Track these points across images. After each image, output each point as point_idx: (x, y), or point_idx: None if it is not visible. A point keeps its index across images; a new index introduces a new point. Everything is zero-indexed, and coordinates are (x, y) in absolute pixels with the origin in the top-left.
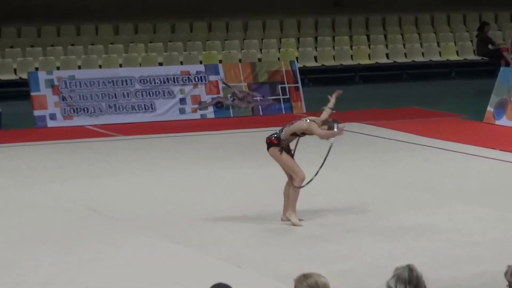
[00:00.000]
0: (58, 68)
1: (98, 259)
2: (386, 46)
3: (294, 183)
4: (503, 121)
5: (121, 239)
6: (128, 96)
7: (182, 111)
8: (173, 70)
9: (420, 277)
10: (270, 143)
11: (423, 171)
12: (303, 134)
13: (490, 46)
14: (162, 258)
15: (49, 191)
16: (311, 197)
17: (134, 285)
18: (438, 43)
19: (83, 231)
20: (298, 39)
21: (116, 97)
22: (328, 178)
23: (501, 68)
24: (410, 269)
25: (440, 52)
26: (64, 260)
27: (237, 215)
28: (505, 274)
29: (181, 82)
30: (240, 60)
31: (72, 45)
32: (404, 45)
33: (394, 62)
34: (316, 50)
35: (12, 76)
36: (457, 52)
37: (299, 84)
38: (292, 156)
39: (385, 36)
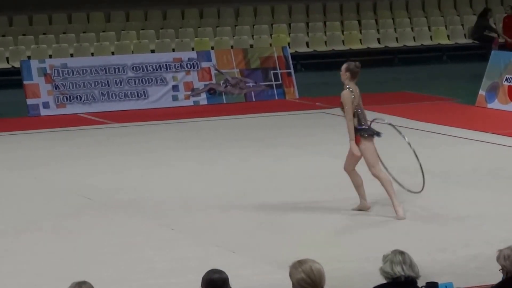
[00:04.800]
0: (50, 56)
1: (94, 246)
2: (378, 31)
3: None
4: (495, 105)
5: (116, 226)
6: (120, 84)
7: (175, 98)
8: (165, 57)
9: (411, 257)
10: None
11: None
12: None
13: (486, 32)
14: (157, 244)
15: (43, 179)
16: (304, 183)
17: (130, 271)
18: (429, 27)
19: (78, 219)
20: (290, 24)
21: (108, 85)
22: (320, 163)
23: (492, 52)
24: (400, 252)
25: (431, 36)
26: (60, 248)
27: (232, 202)
28: (497, 258)
29: (174, 69)
30: (232, 47)
31: (64, 33)
32: (395, 29)
33: (386, 47)
34: (308, 36)
35: (4, 65)
36: (448, 36)
37: (291, 70)
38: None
39: (376, 21)
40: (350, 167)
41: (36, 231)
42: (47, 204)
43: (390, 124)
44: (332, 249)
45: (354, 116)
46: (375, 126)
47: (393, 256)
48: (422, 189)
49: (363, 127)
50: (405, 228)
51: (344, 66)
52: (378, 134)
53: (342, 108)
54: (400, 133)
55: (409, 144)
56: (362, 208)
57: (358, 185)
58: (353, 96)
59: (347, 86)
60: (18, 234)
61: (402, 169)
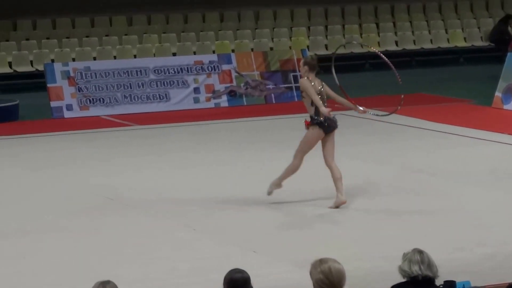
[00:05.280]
0: (73, 60)
1: (116, 246)
2: (395, 33)
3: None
4: (511, 106)
5: (138, 226)
6: (143, 86)
7: (196, 100)
8: (187, 60)
9: (430, 257)
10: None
11: (433, 156)
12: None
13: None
14: (179, 244)
15: (67, 180)
16: (325, 183)
17: (152, 271)
18: (446, 30)
19: (100, 219)
20: (309, 28)
21: (131, 87)
22: (340, 164)
23: (508, 54)
24: (419, 251)
25: (448, 39)
26: (83, 248)
27: (253, 202)
28: None
29: (195, 72)
30: (252, 49)
31: (87, 36)
32: (412, 32)
33: (403, 49)
34: (327, 39)
35: (28, 68)
36: (464, 38)
37: None
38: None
39: (394, 24)
40: (329, 160)
41: (59, 231)
42: (70, 204)
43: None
44: (352, 248)
45: (312, 105)
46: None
47: (412, 255)
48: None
49: (320, 118)
50: (422, 228)
51: (302, 61)
52: (330, 129)
53: (303, 95)
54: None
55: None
56: (337, 203)
57: (336, 179)
58: (312, 84)
59: (306, 76)
60: (41, 233)
61: None
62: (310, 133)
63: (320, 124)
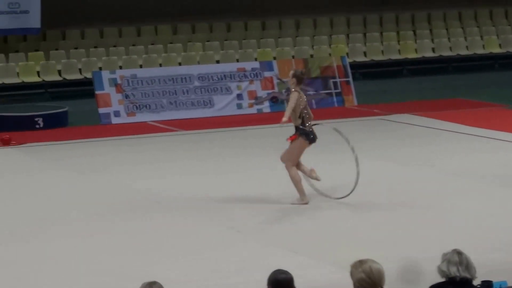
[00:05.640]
0: (120, 67)
1: (161, 247)
2: (432, 40)
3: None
4: None
5: (182, 228)
6: (187, 93)
7: (239, 106)
8: (230, 67)
9: (469, 258)
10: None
11: (470, 159)
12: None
13: None
14: (223, 245)
15: (114, 183)
16: (364, 187)
17: (196, 271)
18: (481, 36)
19: (146, 220)
20: (348, 35)
21: (176, 94)
22: (379, 167)
23: None
24: (458, 252)
25: (483, 45)
26: (129, 248)
27: (293, 205)
28: None
29: (238, 79)
30: (293, 57)
31: (133, 45)
32: (448, 39)
33: (440, 55)
34: (365, 46)
35: (77, 76)
36: (499, 45)
37: (350, 78)
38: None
39: (431, 31)
40: (296, 163)
41: (105, 233)
42: (117, 206)
43: (335, 129)
44: (391, 248)
45: (299, 117)
46: (319, 130)
47: (451, 256)
48: (348, 195)
49: (305, 128)
50: (460, 229)
51: (291, 73)
52: (313, 140)
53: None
54: (345, 138)
55: (352, 149)
56: (300, 201)
57: (297, 181)
58: (300, 98)
59: (293, 90)
60: (88, 235)
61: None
62: (296, 144)
63: (306, 134)
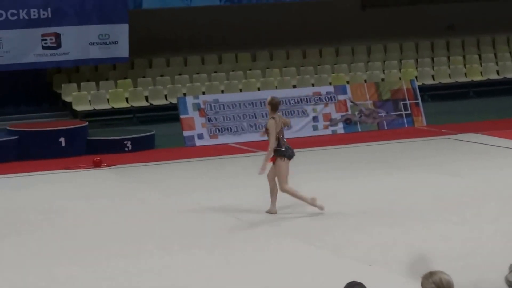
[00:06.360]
0: (203, 93)
1: (245, 263)
2: (496, 63)
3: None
4: None
5: (263, 244)
6: (266, 116)
7: (315, 128)
8: (306, 91)
9: None
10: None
11: None
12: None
13: None
14: (299, 260)
15: (198, 200)
16: (433, 201)
17: (275, 285)
18: None
19: (229, 236)
20: (417, 60)
21: (255, 117)
22: (449, 183)
23: None
24: None
25: None
26: (215, 265)
27: (367, 218)
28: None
29: (313, 102)
30: (365, 81)
31: (215, 72)
32: None
33: (504, 77)
34: (433, 69)
35: (163, 101)
36: None
37: (419, 100)
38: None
39: (495, 55)
40: (271, 178)
41: (192, 248)
42: (201, 222)
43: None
44: (459, 260)
45: (276, 139)
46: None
47: None
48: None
49: (281, 149)
50: None
51: (268, 100)
52: (291, 155)
53: (267, 133)
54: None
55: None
56: (271, 211)
57: (273, 192)
58: (276, 124)
59: (272, 116)
60: (177, 252)
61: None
62: (280, 165)
63: (282, 153)
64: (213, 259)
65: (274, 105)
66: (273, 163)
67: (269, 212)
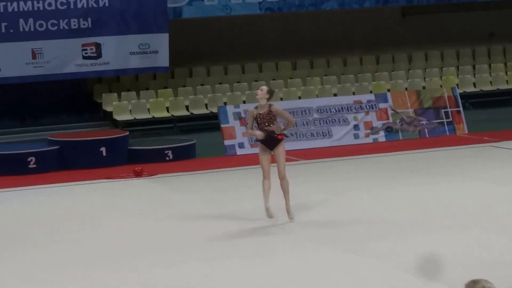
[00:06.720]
0: (244, 102)
1: (288, 272)
2: None
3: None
4: None
5: (305, 253)
6: (307, 125)
7: (356, 136)
8: (347, 100)
9: None
10: (281, 139)
11: None
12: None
13: None
14: (341, 269)
15: (240, 209)
16: (475, 208)
17: None
18: None
19: (271, 244)
20: (458, 67)
21: (296, 126)
22: (492, 191)
23: None
24: None
25: None
26: (257, 272)
27: (409, 227)
28: None
29: (354, 110)
30: (406, 89)
31: (256, 81)
32: None
33: None
34: (475, 77)
35: (203, 111)
36: None
37: (461, 108)
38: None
39: None
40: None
41: (235, 257)
42: (245, 233)
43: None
44: (502, 268)
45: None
46: None
47: None
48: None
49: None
50: None
51: (266, 89)
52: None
53: (276, 115)
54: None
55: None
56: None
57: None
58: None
59: (272, 103)
60: (220, 261)
61: None
62: (284, 147)
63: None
64: (254, 268)
65: (272, 93)
66: (276, 146)
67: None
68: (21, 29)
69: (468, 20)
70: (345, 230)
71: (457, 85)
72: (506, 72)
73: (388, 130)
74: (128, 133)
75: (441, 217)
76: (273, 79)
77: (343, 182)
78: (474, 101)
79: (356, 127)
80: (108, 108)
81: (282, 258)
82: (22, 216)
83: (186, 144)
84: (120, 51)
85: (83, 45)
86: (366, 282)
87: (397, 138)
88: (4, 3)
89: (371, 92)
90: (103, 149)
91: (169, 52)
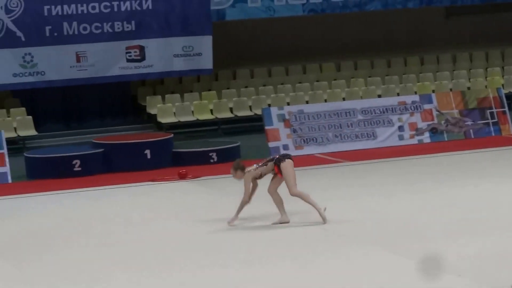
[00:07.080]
0: (288, 104)
1: (330, 275)
2: None
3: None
4: None
5: (346, 255)
6: (351, 126)
7: (401, 138)
8: (391, 101)
9: None
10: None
11: None
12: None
13: None
14: (382, 270)
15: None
16: None
17: None
18: None
19: (314, 246)
20: (503, 67)
21: (341, 127)
22: None
23: None
24: None
25: None
26: (299, 278)
27: (455, 228)
28: None
29: (399, 112)
30: (451, 89)
31: (300, 82)
32: None
33: None
34: None
35: (247, 113)
36: None
37: (506, 109)
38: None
39: None
40: (272, 190)
41: (278, 260)
42: (287, 235)
43: None
44: None
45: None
46: None
47: None
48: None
49: (276, 156)
50: None
51: (232, 170)
52: (289, 156)
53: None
54: None
55: None
56: (283, 221)
57: (279, 203)
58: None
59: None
60: (263, 264)
61: None
62: (286, 167)
63: (281, 158)
64: (298, 270)
65: (242, 168)
66: (275, 174)
67: (281, 222)
68: (65, 33)
69: None
70: (388, 232)
71: (502, 85)
72: None
73: (433, 131)
74: (172, 135)
75: (488, 219)
76: (317, 81)
77: (388, 186)
78: None
79: (400, 128)
80: (152, 111)
81: (327, 262)
82: (68, 219)
83: (230, 146)
84: (163, 54)
85: (127, 48)
86: (411, 282)
87: (442, 139)
88: (48, 6)
89: (415, 93)
90: (147, 151)
91: (213, 54)
